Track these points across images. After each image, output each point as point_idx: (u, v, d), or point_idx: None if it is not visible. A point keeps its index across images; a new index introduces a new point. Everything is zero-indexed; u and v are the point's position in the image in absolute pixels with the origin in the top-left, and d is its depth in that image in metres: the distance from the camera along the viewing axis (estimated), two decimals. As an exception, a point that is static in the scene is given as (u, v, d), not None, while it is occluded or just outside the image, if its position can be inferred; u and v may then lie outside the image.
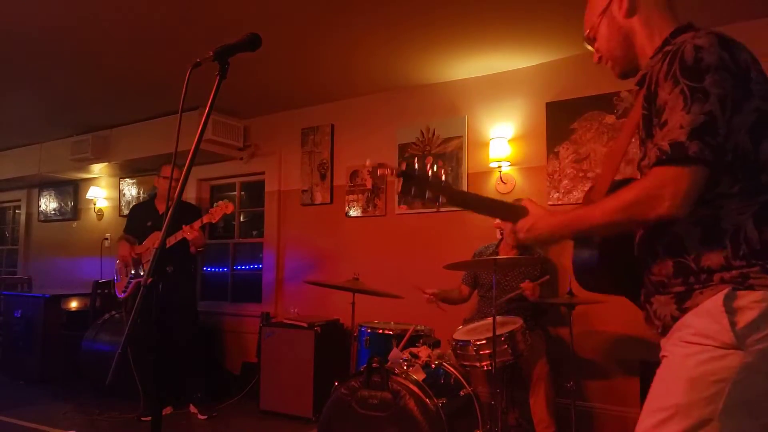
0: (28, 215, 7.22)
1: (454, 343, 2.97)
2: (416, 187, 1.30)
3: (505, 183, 3.91)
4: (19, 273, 7.12)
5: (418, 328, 3.23)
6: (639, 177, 1.33)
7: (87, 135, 5.51)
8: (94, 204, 6.36)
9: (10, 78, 4.24)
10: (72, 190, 6.69)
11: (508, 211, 1.40)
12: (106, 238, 6.15)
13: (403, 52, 3.72)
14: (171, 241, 3.79)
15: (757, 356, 1.10)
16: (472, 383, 2.91)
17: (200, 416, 3.91)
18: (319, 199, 4.78)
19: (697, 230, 1.17)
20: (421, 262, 4.11)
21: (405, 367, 2.73)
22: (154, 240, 3.98)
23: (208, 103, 1.42)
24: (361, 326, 3.41)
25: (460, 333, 3.05)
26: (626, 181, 1.39)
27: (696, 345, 1.14)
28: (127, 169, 5.94)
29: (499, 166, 3.90)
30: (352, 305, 3.46)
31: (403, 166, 1.31)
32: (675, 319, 1.21)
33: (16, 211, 7.58)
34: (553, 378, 3.11)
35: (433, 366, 2.83)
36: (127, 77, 4.20)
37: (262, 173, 5.19)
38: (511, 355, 2.84)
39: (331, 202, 4.72)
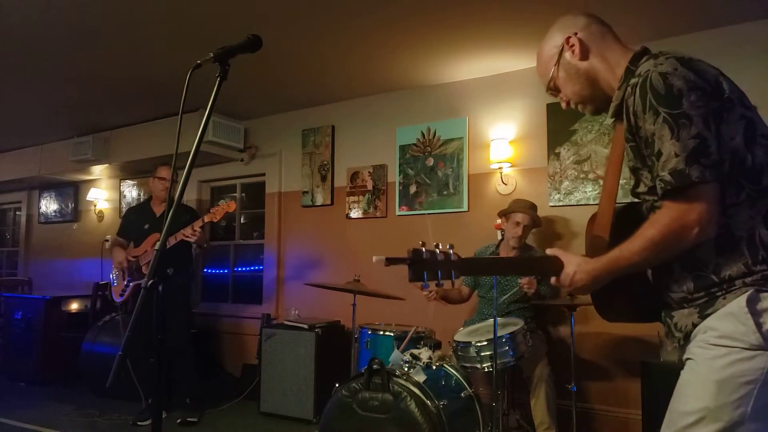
0: (29, 217, 7.21)
1: (454, 345, 2.97)
2: (428, 270, 1.30)
3: (506, 184, 3.91)
4: (20, 275, 7.11)
5: (419, 329, 3.23)
6: (633, 202, 1.37)
7: (88, 136, 5.51)
8: (95, 206, 6.36)
9: (11, 79, 4.24)
10: (72, 192, 6.69)
11: (538, 265, 1.39)
12: (107, 240, 6.14)
13: (404, 53, 3.72)
14: (170, 242, 3.79)
15: None
16: (473, 385, 2.91)
17: (189, 419, 3.88)
18: (319, 200, 4.78)
19: (711, 242, 1.18)
20: (421, 263, 4.10)
21: (406, 369, 2.73)
22: (152, 242, 3.96)
23: (209, 105, 1.41)
24: (362, 328, 3.41)
25: (461, 334, 3.04)
26: (627, 208, 1.42)
27: (722, 347, 1.14)
28: (128, 171, 5.94)
29: (499, 168, 3.90)
30: (353, 307, 3.46)
31: (409, 254, 1.30)
32: (695, 326, 1.21)
33: (17, 212, 7.58)
34: (554, 379, 3.11)
35: (434, 367, 2.83)
36: (128, 79, 4.20)
37: (263, 175, 5.19)
38: (512, 356, 2.83)
39: (332, 203, 4.72)
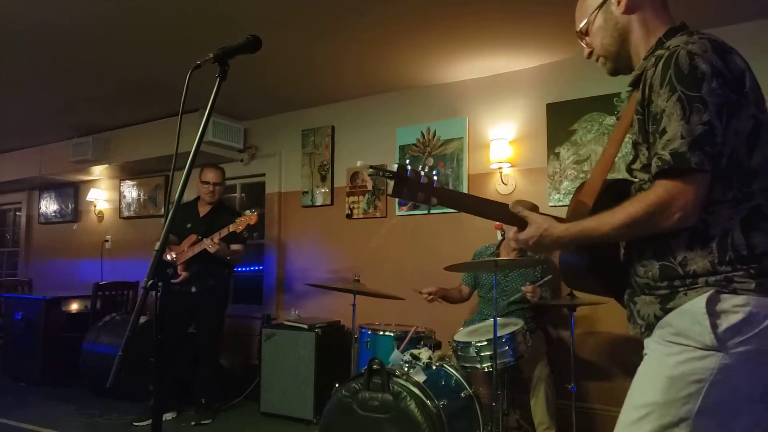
0: (29, 217, 7.22)
1: (454, 345, 2.97)
2: (408, 188, 1.27)
3: (505, 184, 3.91)
4: (20, 275, 7.11)
5: (419, 329, 3.23)
6: (629, 178, 1.35)
7: (87, 137, 5.52)
8: (95, 206, 6.36)
9: (11, 80, 4.25)
10: (72, 192, 6.69)
11: (506, 214, 1.37)
12: (107, 240, 6.16)
13: (404, 54, 3.72)
14: (195, 250, 3.82)
15: (737, 359, 1.11)
16: (473, 385, 2.91)
17: (203, 421, 3.89)
18: (319, 200, 4.78)
19: (685, 235, 1.18)
20: (421, 263, 4.10)
21: (406, 369, 2.73)
22: (190, 242, 3.95)
23: (209, 105, 1.42)
24: (362, 328, 3.41)
25: (461, 334, 3.04)
26: (617, 182, 1.40)
27: (677, 345, 1.16)
28: (128, 171, 5.94)
29: (499, 168, 3.90)
30: (353, 307, 3.46)
31: (395, 168, 1.27)
32: (658, 318, 1.22)
33: (17, 213, 7.58)
34: (554, 379, 3.11)
35: (434, 367, 2.83)
36: (128, 79, 4.20)
37: (263, 175, 5.20)
38: (512, 356, 2.84)
39: (332, 203, 4.72)
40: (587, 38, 1.43)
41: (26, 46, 3.57)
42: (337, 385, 2.74)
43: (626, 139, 1.37)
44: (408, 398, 2.48)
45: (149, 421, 3.33)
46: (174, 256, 3.94)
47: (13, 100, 4.74)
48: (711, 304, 1.13)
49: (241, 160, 5.24)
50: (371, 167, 1.28)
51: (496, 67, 3.91)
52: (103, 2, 3.02)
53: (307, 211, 4.88)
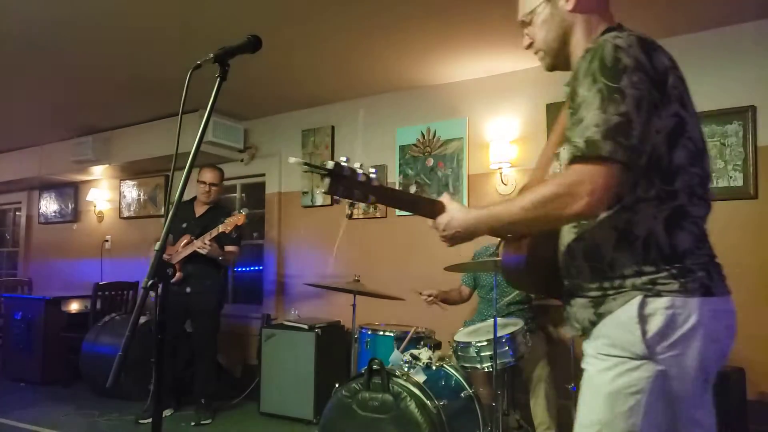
0: (29, 217, 7.22)
1: (455, 345, 2.97)
2: (344, 186, 1.24)
3: (505, 184, 3.91)
4: (20, 275, 7.11)
5: (419, 329, 3.23)
6: None
7: (88, 137, 5.51)
8: (95, 206, 6.36)
9: (11, 79, 4.25)
10: (72, 192, 6.69)
11: (429, 207, 1.36)
12: (107, 241, 6.16)
13: (404, 54, 3.72)
14: (187, 250, 3.83)
15: (667, 364, 1.12)
16: (473, 385, 2.91)
17: (203, 421, 3.89)
18: (319, 200, 4.78)
19: (613, 236, 1.18)
20: (421, 263, 4.10)
21: (406, 369, 2.73)
22: (184, 241, 3.96)
23: (209, 105, 1.42)
24: (362, 328, 3.41)
25: (461, 335, 3.05)
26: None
27: (612, 357, 1.16)
28: (128, 171, 5.94)
29: (499, 168, 3.90)
30: (353, 307, 3.46)
31: (331, 165, 1.23)
32: (593, 324, 1.22)
33: (17, 213, 7.58)
34: (554, 379, 3.11)
35: (434, 368, 2.83)
36: (128, 79, 4.20)
37: (263, 175, 5.20)
38: (512, 356, 2.84)
39: (332, 203, 4.72)
40: (530, 28, 1.41)
41: (26, 45, 3.57)
42: (337, 385, 2.74)
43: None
44: (408, 398, 2.48)
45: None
46: (169, 255, 3.96)
47: (14, 99, 4.74)
48: (640, 310, 1.13)
49: (241, 160, 5.24)
50: (305, 164, 1.24)
51: (496, 67, 3.91)
52: (103, 2, 3.02)
53: (306, 212, 4.88)
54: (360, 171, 1.26)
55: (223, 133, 4.92)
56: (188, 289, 3.93)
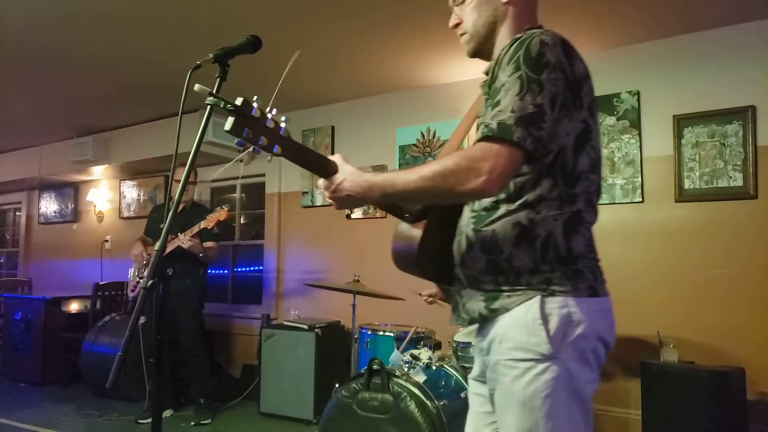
0: (29, 217, 7.22)
1: (454, 345, 2.97)
2: (250, 128, 1.15)
3: (505, 184, 3.90)
4: (20, 275, 7.11)
5: (419, 329, 3.23)
6: None
7: (87, 137, 5.51)
8: (95, 206, 6.36)
9: (11, 79, 4.25)
10: (72, 193, 6.69)
11: (323, 166, 1.30)
12: (107, 241, 6.16)
13: (404, 54, 3.72)
14: (169, 247, 3.81)
15: (570, 360, 1.14)
16: (473, 385, 2.90)
17: (203, 421, 3.89)
18: (319, 200, 4.78)
19: (515, 232, 1.20)
20: (421, 263, 4.10)
21: (406, 369, 2.73)
22: None
23: (209, 106, 1.41)
24: (362, 328, 3.41)
25: (461, 335, 3.04)
26: None
27: (519, 362, 1.16)
28: (128, 171, 5.94)
29: (499, 168, 3.89)
30: (353, 307, 3.46)
31: (239, 101, 1.14)
32: (484, 318, 1.24)
33: (17, 213, 7.58)
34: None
35: (434, 368, 2.83)
36: (128, 79, 4.20)
37: (263, 175, 5.20)
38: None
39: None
40: (461, 7, 1.41)
41: (26, 45, 3.57)
42: (337, 386, 2.74)
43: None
44: (408, 399, 2.48)
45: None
46: (149, 254, 4.03)
47: (14, 99, 4.74)
48: (541, 311, 1.15)
49: (241, 160, 5.24)
50: (211, 94, 1.16)
51: (496, 67, 3.90)
52: (103, 2, 3.02)
53: (306, 211, 4.88)
54: (270, 115, 1.20)
55: (223, 133, 4.84)
56: (160, 288, 3.93)
